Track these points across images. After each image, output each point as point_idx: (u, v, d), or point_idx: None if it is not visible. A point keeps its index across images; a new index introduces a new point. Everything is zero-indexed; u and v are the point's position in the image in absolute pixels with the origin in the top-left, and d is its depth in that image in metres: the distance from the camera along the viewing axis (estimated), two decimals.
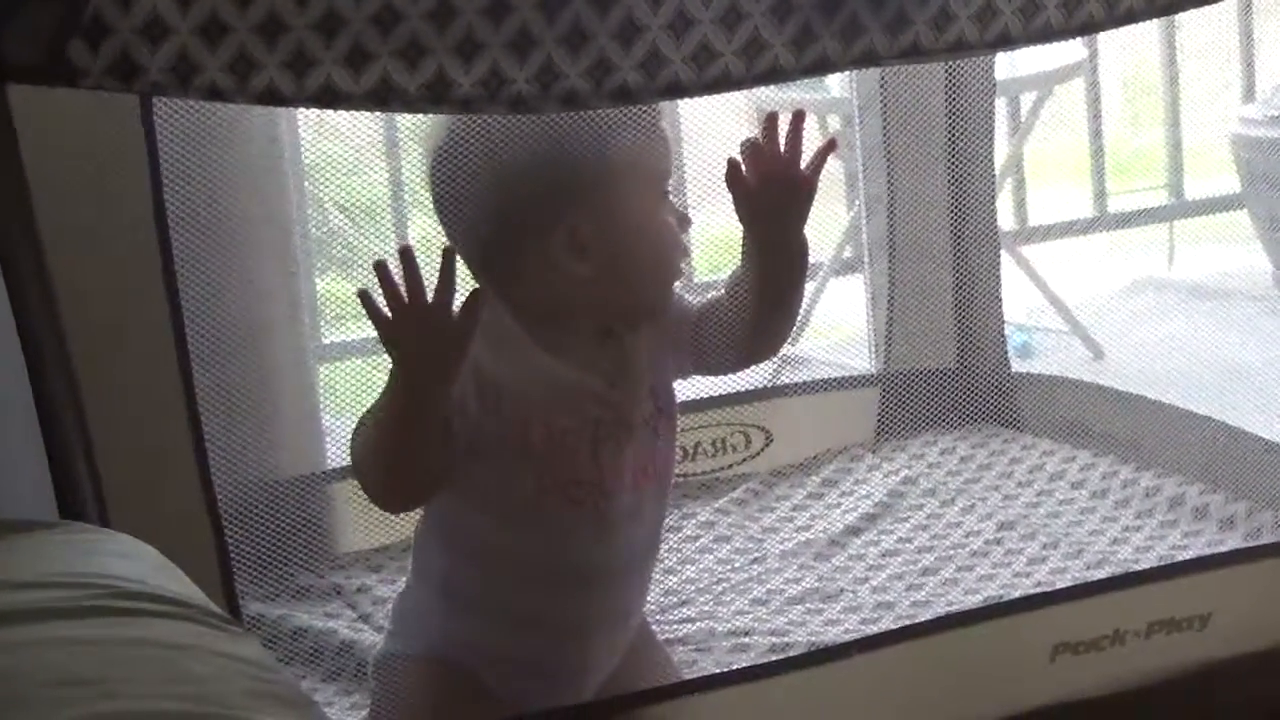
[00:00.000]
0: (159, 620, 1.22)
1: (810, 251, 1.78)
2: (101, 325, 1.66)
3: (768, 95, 2.93)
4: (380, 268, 1.57)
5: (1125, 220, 3.32)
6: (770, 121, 1.71)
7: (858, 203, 2.81)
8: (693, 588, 2.24)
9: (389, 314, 1.58)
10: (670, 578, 2.26)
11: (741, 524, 2.43)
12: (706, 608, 2.18)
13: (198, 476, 1.75)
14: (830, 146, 1.74)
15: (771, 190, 1.71)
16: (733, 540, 2.37)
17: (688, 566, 2.30)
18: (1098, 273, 3.16)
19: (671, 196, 1.76)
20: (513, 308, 1.72)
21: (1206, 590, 2.00)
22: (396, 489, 1.70)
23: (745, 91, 1.56)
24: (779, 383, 2.75)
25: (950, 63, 2.50)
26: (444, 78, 1.44)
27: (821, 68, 1.55)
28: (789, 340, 1.86)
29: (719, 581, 2.26)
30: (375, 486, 1.69)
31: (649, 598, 2.14)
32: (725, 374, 1.95)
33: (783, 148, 1.71)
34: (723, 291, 1.81)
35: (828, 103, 3.02)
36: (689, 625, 2.12)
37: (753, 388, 2.60)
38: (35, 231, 1.56)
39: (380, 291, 1.58)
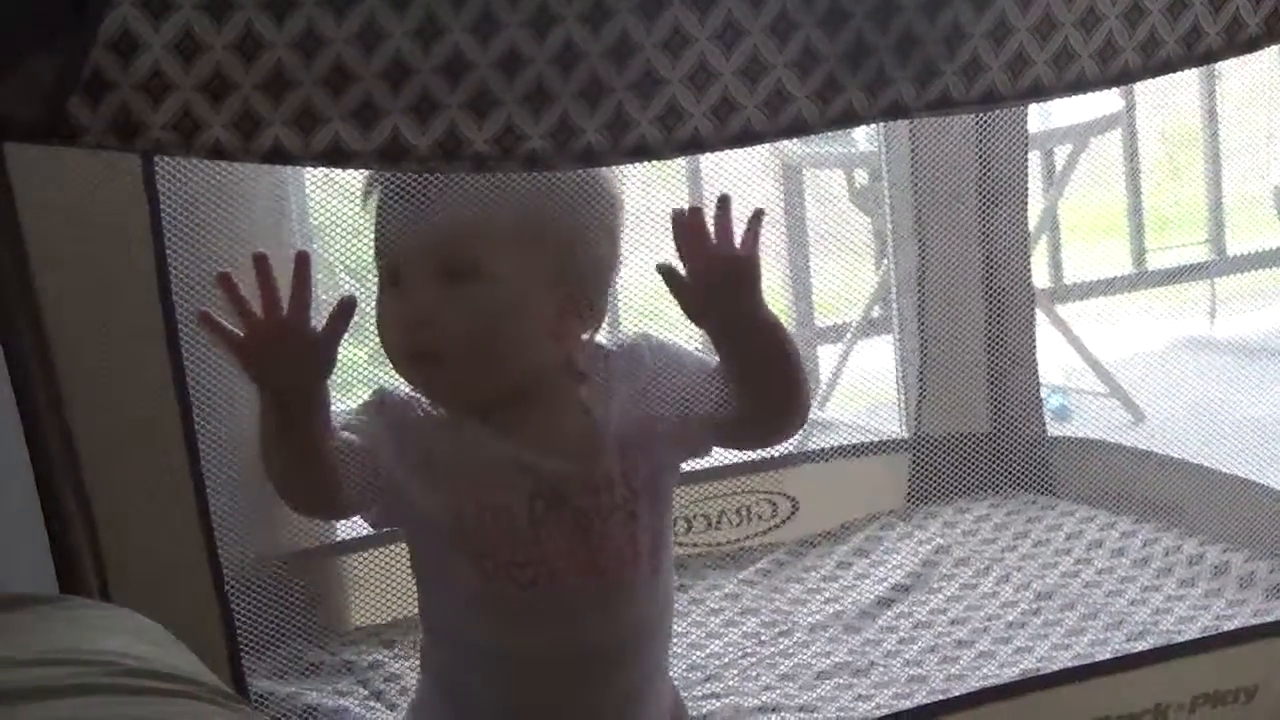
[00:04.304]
0: (164, 699, 1.20)
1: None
2: (102, 391, 1.65)
3: (792, 149, 2.91)
4: (225, 280, 1.51)
5: (1165, 278, 3.30)
6: (695, 213, 1.64)
7: (886, 261, 2.78)
8: (718, 663, 2.20)
9: (240, 334, 1.52)
10: (695, 652, 2.23)
11: (768, 596, 2.39)
12: (733, 683, 2.14)
13: (203, 549, 1.75)
14: (758, 216, 1.66)
15: (711, 279, 1.65)
16: (759, 613, 2.34)
17: (712, 641, 2.27)
18: (1137, 332, 3.14)
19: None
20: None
21: (1253, 661, 2.00)
22: (298, 485, 1.63)
23: (769, 146, 1.54)
24: (806, 448, 2.72)
25: (981, 114, 2.47)
26: (456, 135, 1.42)
27: (847, 120, 1.54)
28: (811, 407, 1.78)
29: (745, 656, 2.22)
30: (281, 487, 1.63)
31: (672, 673, 2.10)
32: (750, 448, 1.88)
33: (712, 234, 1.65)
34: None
35: (854, 157, 3.01)
36: (714, 701, 2.08)
37: (778, 453, 2.56)
38: (34, 297, 1.53)
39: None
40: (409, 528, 1.72)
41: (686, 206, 1.66)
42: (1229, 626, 2.17)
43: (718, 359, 1.73)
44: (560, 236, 1.66)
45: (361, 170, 1.62)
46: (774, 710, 2.05)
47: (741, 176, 2.01)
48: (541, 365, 1.68)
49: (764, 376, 1.71)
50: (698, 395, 1.72)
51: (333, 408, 2.15)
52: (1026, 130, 2.65)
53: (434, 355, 1.65)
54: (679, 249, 1.65)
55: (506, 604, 1.68)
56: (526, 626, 1.69)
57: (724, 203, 1.65)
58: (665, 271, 1.66)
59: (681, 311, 1.68)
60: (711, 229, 1.64)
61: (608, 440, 1.70)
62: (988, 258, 2.65)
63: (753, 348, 1.70)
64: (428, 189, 1.62)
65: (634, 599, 1.72)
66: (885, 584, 2.40)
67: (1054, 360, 2.94)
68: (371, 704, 2.09)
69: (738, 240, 1.65)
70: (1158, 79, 1.67)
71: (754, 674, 2.16)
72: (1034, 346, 2.67)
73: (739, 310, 1.68)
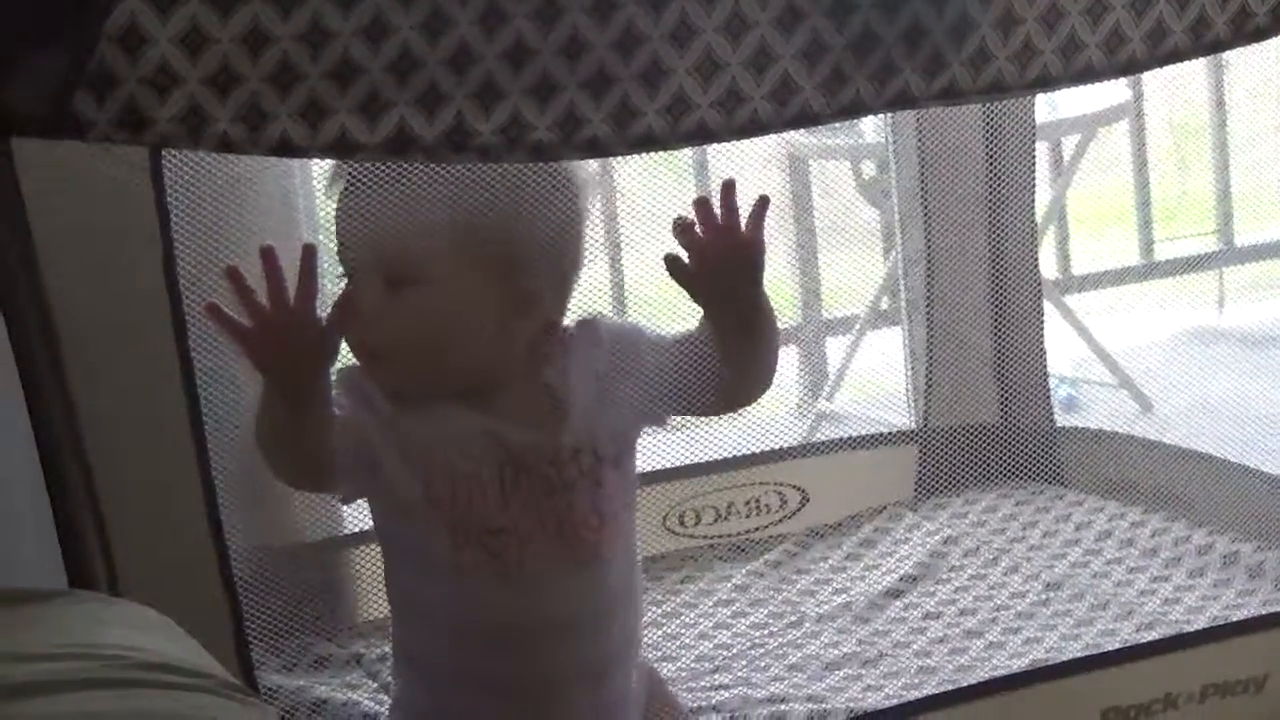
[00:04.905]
0: (174, 692, 1.20)
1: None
2: (110, 384, 1.64)
3: (799, 140, 2.91)
4: (233, 273, 1.53)
5: (1173, 268, 3.30)
6: (702, 203, 1.67)
7: (894, 253, 2.77)
8: (726, 653, 2.20)
9: (248, 324, 1.53)
10: (703, 643, 2.23)
11: (777, 587, 2.39)
12: (741, 674, 2.14)
13: (211, 542, 1.73)
14: (764, 202, 1.69)
15: (716, 264, 1.68)
16: (768, 604, 2.33)
17: (721, 631, 2.26)
18: (1145, 322, 3.13)
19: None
20: None
21: (1262, 651, 2.00)
22: (296, 466, 1.67)
23: (776, 136, 1.53)
24: (815, 439, 2.72)
25: (988, 105, 2.48)
26: (463, 126, 1.42)
27: (854, 110, 1.54)
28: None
29: (754, 647, 2.21)
30: (274, 462, 1.66)
31: (680, 664, 2.11)
32: (705, 415, 1.90)
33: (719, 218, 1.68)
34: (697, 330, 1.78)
35: (861, 148, 3.00)
36: (723, 692, 2.07)
37: (787, 445, 2.57)
38: (41, 292, 1.53)
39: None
40: (381, 502, 1.73)
41: (693, 207, 1.68)
42: (1238, 616, 2.17)
43: (671, 333, 1.77)
44: (511, 237, 1.68)
45: (370, 162, 1.61)
46: (782, 701, 2.04)
47: (748, 167, 2.01)
48: (493, 360, 1.70)
49: (750, 356, 1.75)
50: (658, 369, 1.76)
51: None
52: (1034, 120, 2.64)
53: (380, 354, 1.67)
54: (679, 238, 1.67)
55: (477, 573, 1.70)
56: (497, 595, 1.71)
57: (729, 187, 1.66)
58: (670, 260, 1.68)
59: (689, 296, 1.70)
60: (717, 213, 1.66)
61: (573, 413, 1.72)
62: (995, 248, 2.65)
63: (749, 330, 1.73)
64: (373, 196, 1.63)
65: (601, 567, 1.74)
66: (894, 575, 2.39)
67: (1062, 351, 2.93)
68: (381, 697, 2.07)
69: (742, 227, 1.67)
70: (1166, 69, 1.66)
71: (763, 665, 2.16)
72: (1042, 337, 2.66)
73: (741, 293, 1.70)
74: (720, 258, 1.67)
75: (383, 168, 1.61)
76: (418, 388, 1.69)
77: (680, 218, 1.68)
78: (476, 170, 1.61)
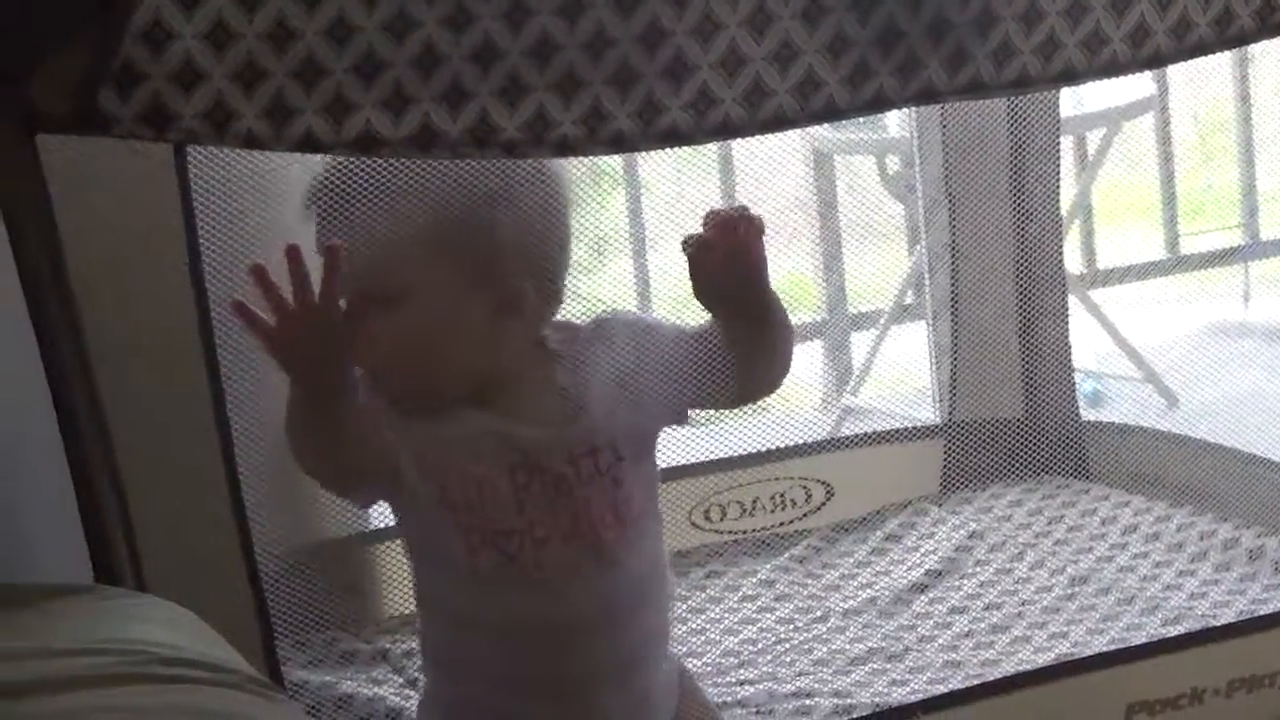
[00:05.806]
0: (199, 688, 1.21)
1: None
2: (136, 379, 1.64)
3: (824, 135, 2.90)
4: (258, 271, 1.52)
5: (1198, 262, 3.29)
6: (712, 217, 1.67)
7: (919, 247, 2.77)
8: (753, 648, 2.20)
9: (272, 322, 1.53)
10: (729, 638, 2.23)
11: (802, 582, 2.39)
12: (767, 669, 2.14)
13: (237, 538, 1.73)
14: (757, 222, 1.68)
15: (714, 273, 1.68)
16: (794, 599, 2.33)
17: (747, 626, 2.26)
18: (1170, 317, 3.13)
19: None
20: None
21: None
22: (321, 463, 1.66)
23: (800, 131, 1.53)
24: (840, 434, 2.72)
25: (1013, 99, 2.47)
26: (488, 121, 1.43)
27: (878, 105, 1.54)
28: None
29: (780, 642, 2.21)
30: (305, 461, 1.66)
31: (705, 659, 2.11)
32: (721, 408, 1.90)
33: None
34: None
35: (886, 143, 3.00)
36: (749, 687, 2.08)
37: (813, 440, 2.57)
38: (67, 290, 1.53)
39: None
40: (400, 503, 1.73)
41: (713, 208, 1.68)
42: (1265, 610, 2.16)
43: (688, 326, 1.77)
44: (481, 238, 1.66)
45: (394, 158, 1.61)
46: (808, 696, 2.04)
47: (773, 163, 2.01)
48: (491, 362, 1.70)
49: (759, 357, 1.75)
50: (676, 364, 1.75)
51: None
52: (1059, 115, 2.64)
53: (380, 369, 1.67)
54: (693, 250, 1.68)
55: (494, 574, 1.69)
56: (515, 596, 1.70)
57: (734, 212, 1.67)
58: (692, 261, 1.68)
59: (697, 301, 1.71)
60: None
61: (588, 413, 1.72)
62: (1020, 243, 2.64)
63: (757, 333, 1.73)
64: (341, 223, 1.63)
65: (621, 566, 1.73)
66: (919, 569, 2.39)
67: (1087, 345, 2.93)
68: (407, 692, 2.08)
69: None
70: (1190, 62, 1.66)
71: (788, 659, 2.16)
72: (1067, 331, 2.65)
73: (746, 299, 1.70)
74: (717, 267, 1.67)
75: (344, 193, 1.61)
76: (422, 396, 1.69)
77: (690, 236, 1.68)
78: (438, 174, 1.60)
